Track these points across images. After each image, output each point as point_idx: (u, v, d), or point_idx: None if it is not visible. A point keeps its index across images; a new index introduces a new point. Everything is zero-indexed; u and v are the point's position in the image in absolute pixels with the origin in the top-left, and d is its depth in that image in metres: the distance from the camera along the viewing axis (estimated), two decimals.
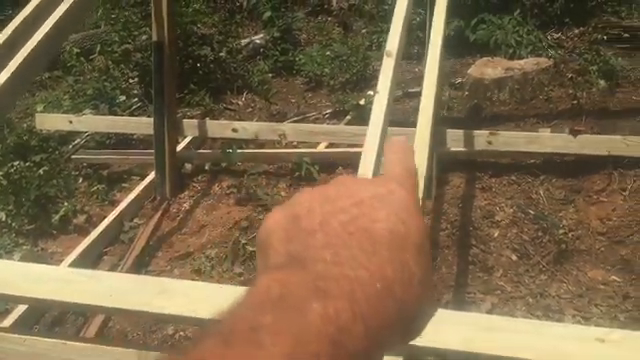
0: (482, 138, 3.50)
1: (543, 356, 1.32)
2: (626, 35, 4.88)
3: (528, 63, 4.47)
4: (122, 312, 1.56)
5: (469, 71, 4.51)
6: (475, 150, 3.56)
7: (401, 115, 4.30)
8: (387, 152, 0.46)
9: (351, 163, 3.60)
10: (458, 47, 4.94)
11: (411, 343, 1.53)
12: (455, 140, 3.55)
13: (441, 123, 3.53)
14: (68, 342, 1.63)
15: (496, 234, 3.16)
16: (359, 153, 1.88)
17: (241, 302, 0.34)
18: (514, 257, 3.02)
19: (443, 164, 3.54)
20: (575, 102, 4.13)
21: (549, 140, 3.44)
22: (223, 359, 0.31)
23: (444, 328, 1.39)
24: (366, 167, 1.83)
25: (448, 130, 3.55)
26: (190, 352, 0.32)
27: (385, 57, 2.12)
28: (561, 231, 3.06)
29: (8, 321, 2.62)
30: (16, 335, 1.69)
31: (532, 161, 3.61)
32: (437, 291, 2.88)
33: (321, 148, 4.00)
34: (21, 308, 2.69)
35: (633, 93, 4.25)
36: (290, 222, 0.39)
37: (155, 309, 1.50)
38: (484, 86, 4.35)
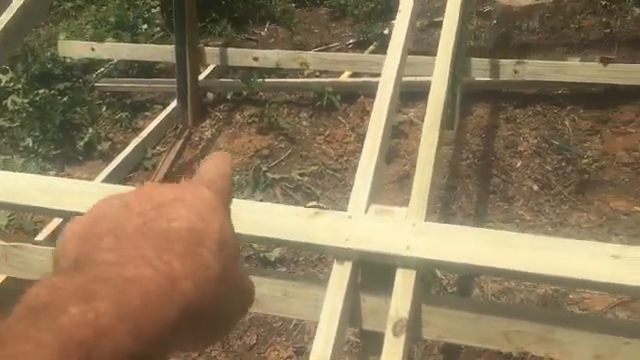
0: (508, 67, 3.42)
1: (556, 271, 1.33)
2: None
3: None
4: None
5: None
6: (501, 80, 3.48)
7: (426, 45, 4.21)
8: (203, 162, 0.44)
9: (373, 93, 3.56)
10: None
11: (417, 255, 1.53)
12: (480, 69, 3.47)
13: (467, 53, 3.44)
14: None
15: (518, 164, 3.13)
16: None
17: (14, 312, 0.32)
18: (535, 187, 3.00)
19: (467, 94, 3.48)
20: (608, 31, 3.98)
21: (578, 69, 3.34)
22: None
23: (452, 243, 1.40)
24: (384, 95, 1.80)
25: (473, 59, 3.46)
26: None
27: None
28: (585, 161, 3.02)
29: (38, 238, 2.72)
30: (47, 247, 1.75)
31: (559, 91, 3.52)
32: (456, 220, 2.90)
33: (344, 78, 3.95)
34: (50, 228, 2.78)
35: None
36: (85, 229, 0.37)
37: None
38: (513, 14, 4.21)
